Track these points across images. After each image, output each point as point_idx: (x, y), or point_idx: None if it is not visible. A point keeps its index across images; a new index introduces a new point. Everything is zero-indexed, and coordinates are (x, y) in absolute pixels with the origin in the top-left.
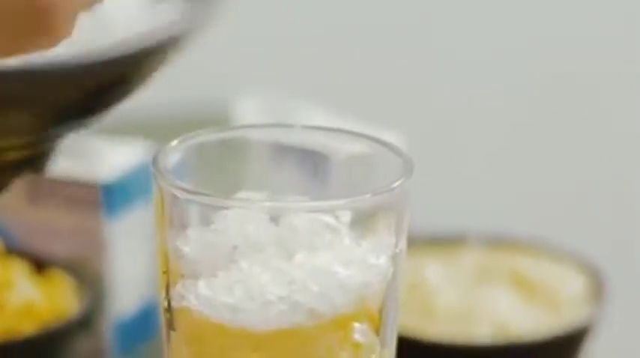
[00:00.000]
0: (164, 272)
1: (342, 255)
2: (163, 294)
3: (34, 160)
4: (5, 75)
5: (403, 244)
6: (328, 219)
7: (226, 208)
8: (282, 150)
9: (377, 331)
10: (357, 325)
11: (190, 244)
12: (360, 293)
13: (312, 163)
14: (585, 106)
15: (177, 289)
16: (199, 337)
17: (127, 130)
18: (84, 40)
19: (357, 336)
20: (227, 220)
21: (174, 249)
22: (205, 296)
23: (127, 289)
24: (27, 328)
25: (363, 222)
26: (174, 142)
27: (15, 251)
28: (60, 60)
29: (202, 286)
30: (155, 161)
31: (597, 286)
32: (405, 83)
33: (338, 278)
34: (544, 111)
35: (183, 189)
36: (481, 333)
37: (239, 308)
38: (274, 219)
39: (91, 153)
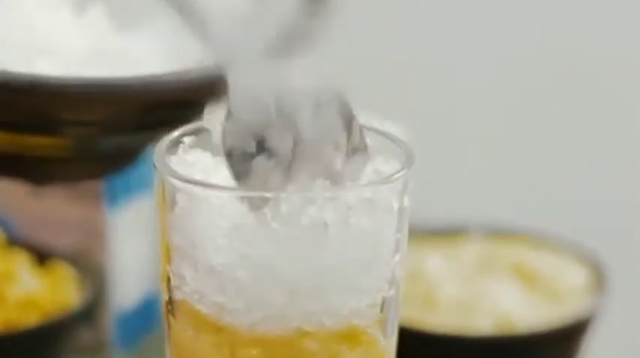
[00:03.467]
0: (165, 264)
1: (346, 239)
2: (164, 285)
3: (120, 159)
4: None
5: (404, 235)
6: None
7: (227, 195)
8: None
9: (378, 323)
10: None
11: (190, 236)
12: (361, 284)
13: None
14: (588, 98)
15: (178, 279)
16: (197, 329)
17: None
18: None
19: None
20: (227, 207)
21: (175, 240)
22: (198, 291)
23: (129, 280)
24: (29, 319)
25: (363, 212)
26: (176, 133)
27: (17, 242)
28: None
29: (196, 280)
30: (156, 151)
31: (598, 278)
32: (406, 74)
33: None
34: (546, 103)
35: (185, 181)
36: (482, 325)
37: (226, 308)
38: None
39: None
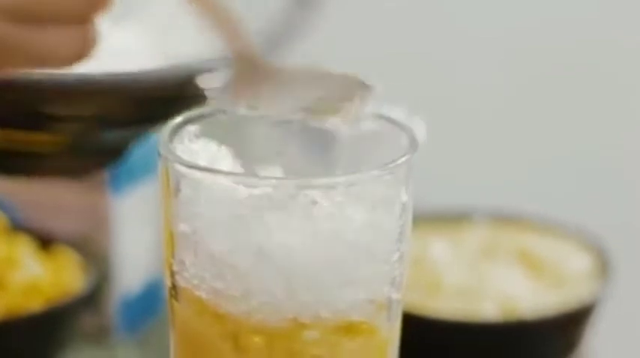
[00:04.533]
0: (168, 250)
1: (347, 229)
2: (167, 271)
3: (111, 153)
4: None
5: (409, 221)
6: (333, 194)
7: (230, 183)
8: (288, 126)
9: (382, 308)
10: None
11: (192, 222)
12: (365, 269)
13: (317, 139)
14: (592, 85)
15: (179, 265)
16: (200, 315)
17: None
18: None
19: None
20: (231, 196)
21: (177, 226)
22: (198, 277)
23: (132, 266)
24: (32, 305)
25: (368, 198)
26: (180, 118)
27: (20, 228)
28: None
29: (196, 266)
30: (160, 137)
31: (602, 263)
32: (410, 59)
33: (343, 253)
34: (551, 90)
35: (189, 166)
36: (486, 310)
37: (224, 294)
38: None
39: None
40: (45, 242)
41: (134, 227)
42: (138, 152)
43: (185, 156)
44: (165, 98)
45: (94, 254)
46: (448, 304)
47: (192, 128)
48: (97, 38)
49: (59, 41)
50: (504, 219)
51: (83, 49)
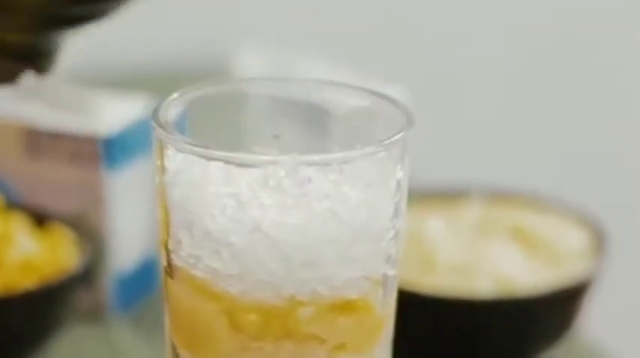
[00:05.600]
0: (163, 228)
1: (343, 207)
2: (163, 250)
3: (35, 56)
4: None
5: (404, 198)
6: (328, 171)
7: (225, 161)
8: (282, 104)
9: (378, 285)
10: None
11: (188, 201)
12: (361, 246)
13: (311, 117)
14: (588, 61)
15: (175, 243)
16: (195, 293)
17: (128, 84)
18: None
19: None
20: (226, 174)
21: (172, 204)
22: (194, 256)
23: (128, 243)
24: (27, 282)
25: (363, 173)
26: (174, 95)
27: (15, 205)
28: None
29: (192, 245)
30: (155, 114)
31: (598, 240)
32: (406, 35)
33: (339, 231)
34: (547, 66)
35: (183, 142)
36: (482, 287)
37: (221, 273)
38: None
39: (92, 107)
40: (40, 219)
41: (129, 204)
42: (133, 129)
43: (180, 135)
44: None
45: (89, 231)
46: (443, 281)
47: (186, 106)
48: None
49: None
50: (500, 196)
51: None
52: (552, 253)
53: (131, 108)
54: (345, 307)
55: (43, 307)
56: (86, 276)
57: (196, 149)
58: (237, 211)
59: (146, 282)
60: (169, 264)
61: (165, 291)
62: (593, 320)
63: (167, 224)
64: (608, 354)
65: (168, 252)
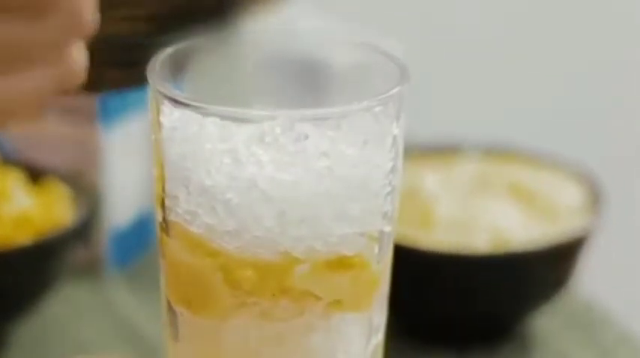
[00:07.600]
0: (159, 184)
1: (339, 164)
2: (158, 206)
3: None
4: None
5: (400, 154)
6: (324, 127)
7: (221, 117)
8: (278, 59)
9: (374, 241)
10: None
11: (183, 157)
12: (357, 202)
13: (307, 72)
14: (584, 14)
15: (171, 200)
16: (191, 249)
17: None
18: None
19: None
20: (222, 131)
21: (168, 161)
22: (190, 212)
23: (123, 199)
24: (22, 238)
25: (359, 129)
26: (170, 50)
27: (10, 161)
28: None
29: (188, 201)
30: (150, 69)
31: (595, 196)
32: None
33: (335, 187)
34: (543, 19)
35: (179, 98)
36: (478, 242)
37: (217, 229)
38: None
39: None
40: (35, 175)
41: (125, 160)
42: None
43: (176, 90)
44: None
45: (84, 187)
46: (440, 236)
47: (183, 62)
48: (81, 70)
49: (34, 85)
50: (496, 151)
51: (65, 86)
52: (548, 208)
53: None
54: (341, 264)
55: (38, 262)
56: (82, 232)
57: (192, 104)
58: (234, 167)
59: (142, 238)
60: (165, 220)
61: (160, 248)
62: (588, 275)
63: (163, 180)
64: (603, 310)
65: (164, 208)
